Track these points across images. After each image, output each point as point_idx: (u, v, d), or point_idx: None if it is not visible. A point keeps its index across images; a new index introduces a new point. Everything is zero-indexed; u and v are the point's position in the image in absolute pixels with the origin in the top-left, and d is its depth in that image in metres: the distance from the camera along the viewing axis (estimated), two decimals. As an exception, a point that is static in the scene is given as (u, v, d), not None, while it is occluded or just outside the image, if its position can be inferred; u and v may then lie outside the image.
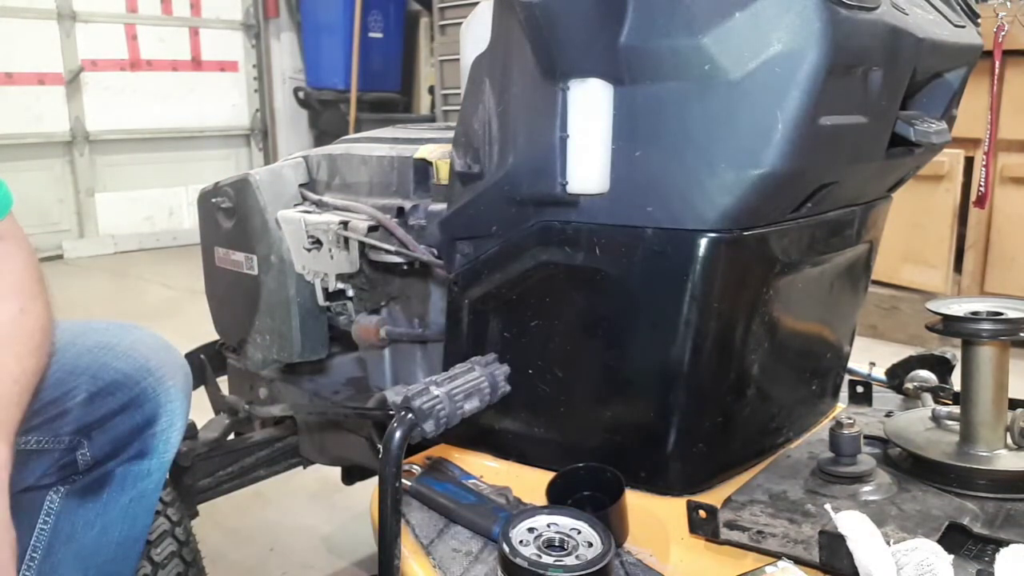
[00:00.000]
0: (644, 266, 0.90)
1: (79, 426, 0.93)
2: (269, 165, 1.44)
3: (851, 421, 0.96)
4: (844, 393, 1.24)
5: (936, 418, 1.05)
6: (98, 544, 0.97)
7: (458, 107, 1.06)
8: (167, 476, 1.02)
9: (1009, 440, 0.97)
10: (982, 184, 2.66)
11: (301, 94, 5.97)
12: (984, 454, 0.96)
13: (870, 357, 1.33)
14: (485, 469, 1.06)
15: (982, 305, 0.97)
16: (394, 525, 0.81)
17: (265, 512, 1.90)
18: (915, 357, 1.28)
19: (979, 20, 1.13)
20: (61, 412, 0.92)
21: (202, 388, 1.56)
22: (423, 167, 1.19)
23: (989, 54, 2.56)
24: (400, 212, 1.19)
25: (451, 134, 1.08)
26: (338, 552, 1.76)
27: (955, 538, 0.84)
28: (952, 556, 0.73)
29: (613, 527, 0.83)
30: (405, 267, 1.22)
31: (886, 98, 0.92)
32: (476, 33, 1.01)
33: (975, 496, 0.91)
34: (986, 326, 0.94)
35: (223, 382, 1.59)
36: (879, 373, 1.31)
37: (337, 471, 1.61)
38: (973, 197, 2.75)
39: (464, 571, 0.87)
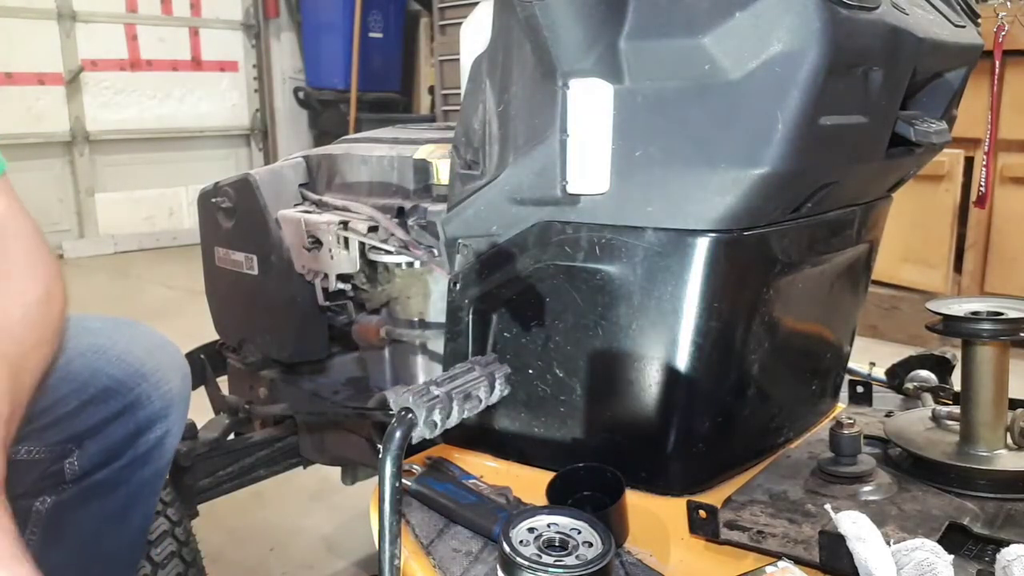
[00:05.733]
0: (644, 266, 0.90)
1: (70, 435, 0.88)
2: (269, 165, 1.44)
3: (851, 421, 0.96)
4: (844, 393, 1.24)
5: (936, 418, 1.05)
6: (92, 551, 0.94)
7: (458, 107, 1.06)
8: (166, 479, 0.99)
9: (1009, 440, 0.97)
10: (982, 184, 2.66)
11: (301, 94, 5.98)
12: (984, 454, 0.96)
13: (870, 357, 1.33)
14: (485, 469, 1.06)
15: (982, 305, 0.97)
16: (394, 525, 0.81)
17: (265, 512, 1.90)
18: (915, 357, 1.28)
19: (979, 20, 1.13)
20: (52, 421, 0.87)
21: (202, 388, 1.56)
22: (423, 167, 1.19)
23: (989, 54, 2.56)
24: (400, 212, 1.19)
25: (451, 134, 1.08)
26: (338, 552, 1.76)
27: (955, 538, 0.84)
28: (952, 556, 0.73)
29: (613, 527, 0.83)
30: (405, 267, 1.23)
31: (886, 98, 0.92)
32: (476, 33, 1.01)
33: (975, 496, 0.91)
34: (986, 326, 0.94)
35: (223, 382, 1.59)
36: (879, 373, 1.31)
37: (337, 471, 1.61)
38: (973, 197, 2.75)
39: (464, 571, 0.87)
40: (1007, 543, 0.75)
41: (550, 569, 0.70)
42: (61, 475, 0.89)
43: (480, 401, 0.93)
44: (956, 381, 1.11)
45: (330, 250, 1.23)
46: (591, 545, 0.74)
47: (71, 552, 0.92)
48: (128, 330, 0.96)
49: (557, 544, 0.75)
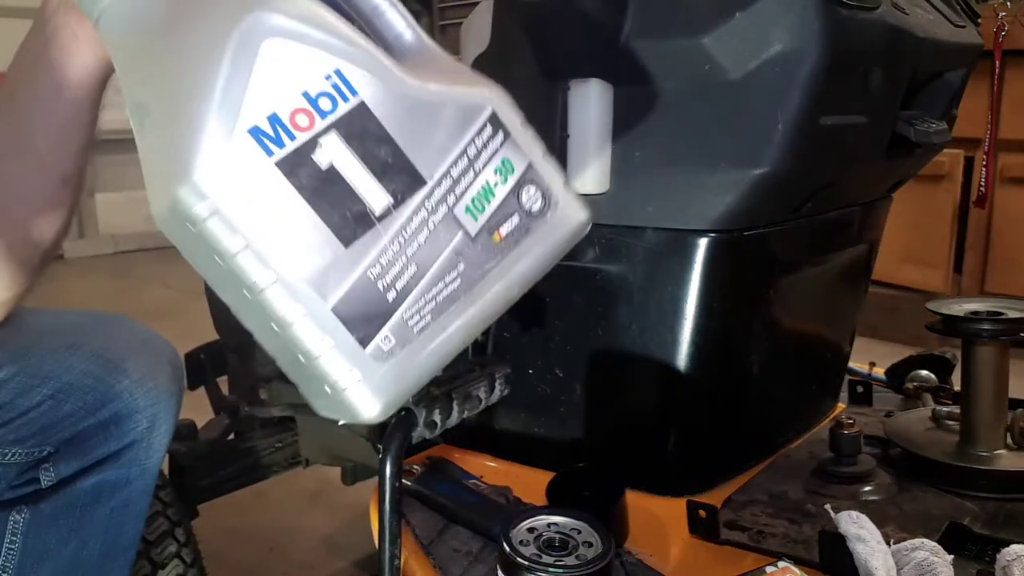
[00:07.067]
0: (644, 266, 0.90)
1: (42, 438, 0.82)
2: (269, 165, 1.44)
3: (851, 421, 0.96)
4: (844, 393, 1.24)
5: (936, 418, 1.05)
6: (77, 559, 0.87)
7: (458, 107, 1.06)
8: (155, 482, 0.90)
9: (1009, 440, 0.97)
10: (982, 184, 2.66)
11: (301, 94, 5.97)
12: (984, 454, 0.96)
13: (870, 357, 1.33)
14: (485, 469, 1.06)
15: (982, 305, 0.98)
16: (394, 525, 0.81)
17: (265, 512, 1.90)
18: (915, 357, 1.28)
19: (979, 20, 1.13)
20: (22, 423, 0.81)
21: (202, 388, 1.56)
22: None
23: (989, 54, 2.56)
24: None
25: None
26: (338, 552, 1.76)
27: (955, 538, 0.84)
28: (952, 556, 0.73)
29: (613, 527, 0.83)
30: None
31: (886, 98, 0.92)
32: (476, 33, 1.01)
33: (975, 496, 0.91)
34: (986, 326, 0.94)
35: (223, 382, 1.58)
36: (879, 373, 1.31)
37: (337, 471, 1.61)
38: (973, 197, 2.74)
39: (464, 571, 0.87)
40: (1007, 543, 0.75)
41: (550, 569, 0.70)
42: (37, 482, 0.84)
43: (480, 401, 0.93)
44: (956, 381, 1.12)
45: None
46: (591, 545, 0.74)
47: (56, 561, 0.86)
48: (109, 324, 0.90)
49: (557, 544, 0.75)
